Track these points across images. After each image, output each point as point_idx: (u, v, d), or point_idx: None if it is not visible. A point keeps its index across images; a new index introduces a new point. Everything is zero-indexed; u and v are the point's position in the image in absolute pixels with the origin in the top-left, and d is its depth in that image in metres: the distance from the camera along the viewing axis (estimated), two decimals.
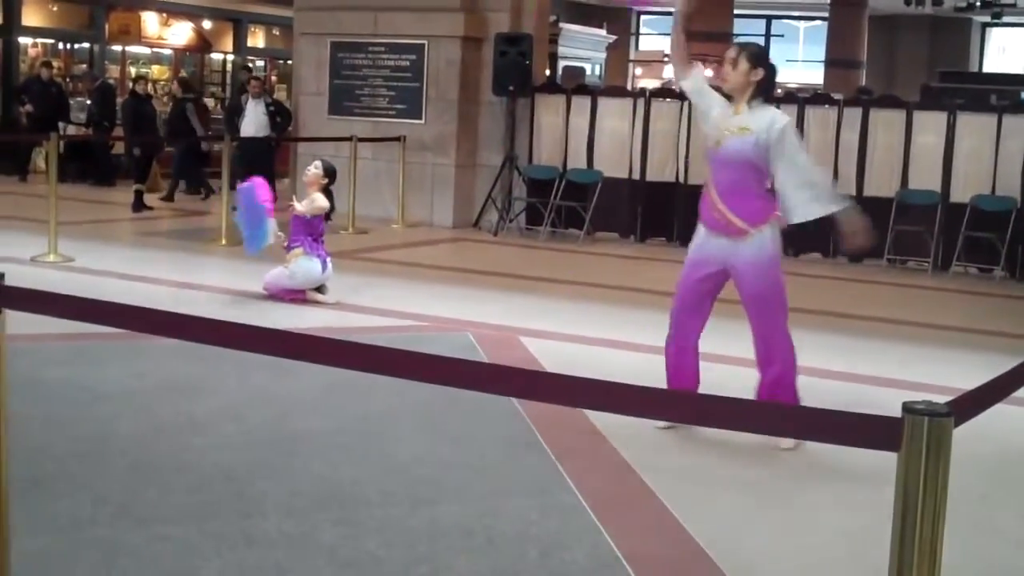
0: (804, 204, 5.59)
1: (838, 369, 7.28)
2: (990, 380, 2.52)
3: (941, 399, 2.24)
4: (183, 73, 21.74)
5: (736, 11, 27.88)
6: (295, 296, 8.67)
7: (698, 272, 5.74)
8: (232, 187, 14.98)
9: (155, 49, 23.48)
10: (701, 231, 5.74)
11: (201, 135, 16.72)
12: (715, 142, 5.62)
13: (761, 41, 36.43)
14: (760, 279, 5.59)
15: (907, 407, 2.09)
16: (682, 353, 5.82)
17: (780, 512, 4.75)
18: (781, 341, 5.64)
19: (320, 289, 8.74)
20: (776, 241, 5.65)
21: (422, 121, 14.56)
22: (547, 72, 16.12)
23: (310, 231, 8.80)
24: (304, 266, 8.70)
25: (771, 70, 5.63)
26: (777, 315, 5.65)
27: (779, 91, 19.84)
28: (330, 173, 9.07)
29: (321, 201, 8.90)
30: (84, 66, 20.96)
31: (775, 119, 5.56)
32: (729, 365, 6.70)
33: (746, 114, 5.58)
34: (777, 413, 2.28)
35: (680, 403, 2.43)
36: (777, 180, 5.57)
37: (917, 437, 2.07)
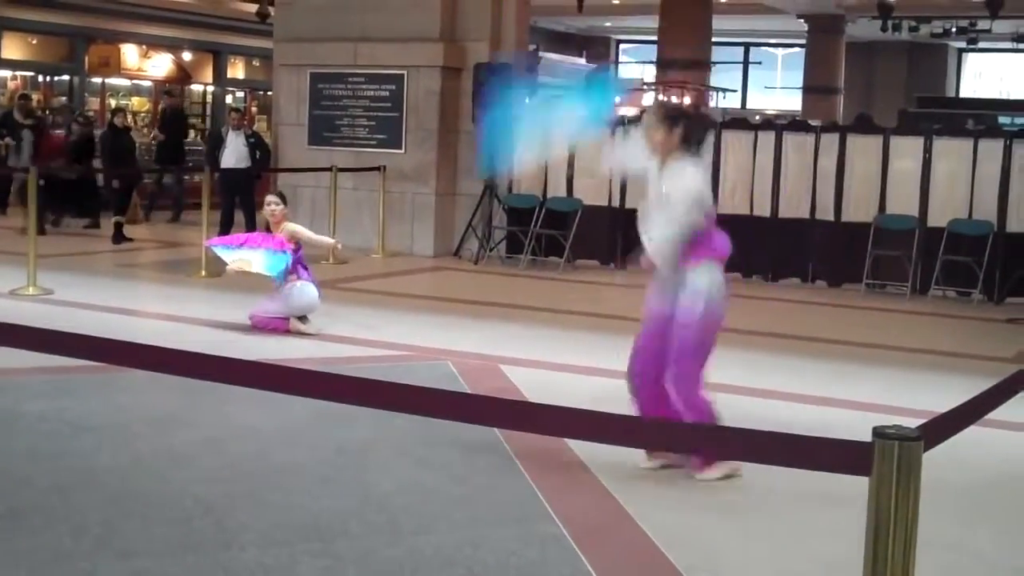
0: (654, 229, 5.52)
1: (814, 394, 7.31)
2: (960, 404, 2.55)
3: (917, 423, 2.27)
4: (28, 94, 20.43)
5: (715, 39, 28.02)
6: (277, 326, 8.68)
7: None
8: (224, 220, 15.08)
9: (135, 81, 23.52)
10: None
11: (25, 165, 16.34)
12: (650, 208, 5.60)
13: (739, 68, 36.77)
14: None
15: (877, 431, 2.12)
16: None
17: (759, 538, 4.76)
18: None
19: (302, 319, 8.75)
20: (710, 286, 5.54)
21: (402, 150, 14.60)
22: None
23: (300, 260, 8.85)
24: (305, 290, 8.72)
25: (687, 121, 5.59)
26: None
27: (757, 118, 20.04)
28: (285, 200, 9.31)
29: (302, 229, 9.04)
30: (63, 98, 20.95)
31: (688, 185, 5.47)
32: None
33: (667, 174, 5.53)
34: (749, 439, 2.30)
35: (657, 431, 2.46)
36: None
37: (888, 461, 2.09)
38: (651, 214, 5.52)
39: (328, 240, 10.43)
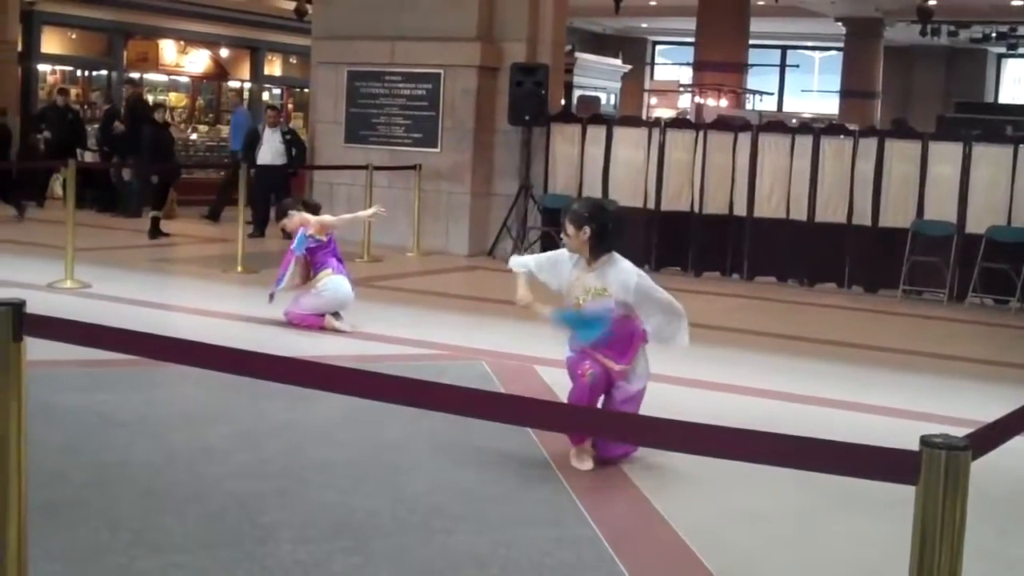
0: (681, 331, 5.68)
1: (853, 400, 7.26)
2: (1008, 413, 2.52)
3: (956, 431, 2.24)
4: None
5: (752, 41, 27.97)
6: (312, 323, 8.68)
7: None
8: (258, 216, 15.14)
9: (172, 77, 23.62)
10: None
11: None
12: (575, 304, 5.67)
13: (776, 71, 36.63)
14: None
15: (925, 440, 2.09)
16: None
17: (796, 545, 4.73)
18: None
19: (336, 316, 8.75)
20: (646, 365, 5.74)
21: (438, 150, 14.61)
22: (563, 102, 16.17)
23: (331, 252, 8.85)
24: (338, 285, 8.73)
25: (599, 222, 5.60)
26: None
27: (794, 121, 19.94)
28: (301, 206, 9.26)
29: (328, 218, 9.09)
30: (94, 93, 21.09)
31: (627, 280, 5.56)
32: (731, 394, 6.69)
33: (597, 272, 5.62)
34: (794, 445, 2.27)
35: (690, 434, 2.43)
36: (648, 322, 5.62)
37: (935, 470, 2.06)
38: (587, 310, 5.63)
39: (364, 213, 10.27)
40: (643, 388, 5.67)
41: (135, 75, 21.60)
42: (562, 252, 5.85)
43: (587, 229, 5.56)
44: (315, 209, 9.25)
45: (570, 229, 5.60)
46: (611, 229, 5.65)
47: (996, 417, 2.52)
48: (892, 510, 3.19)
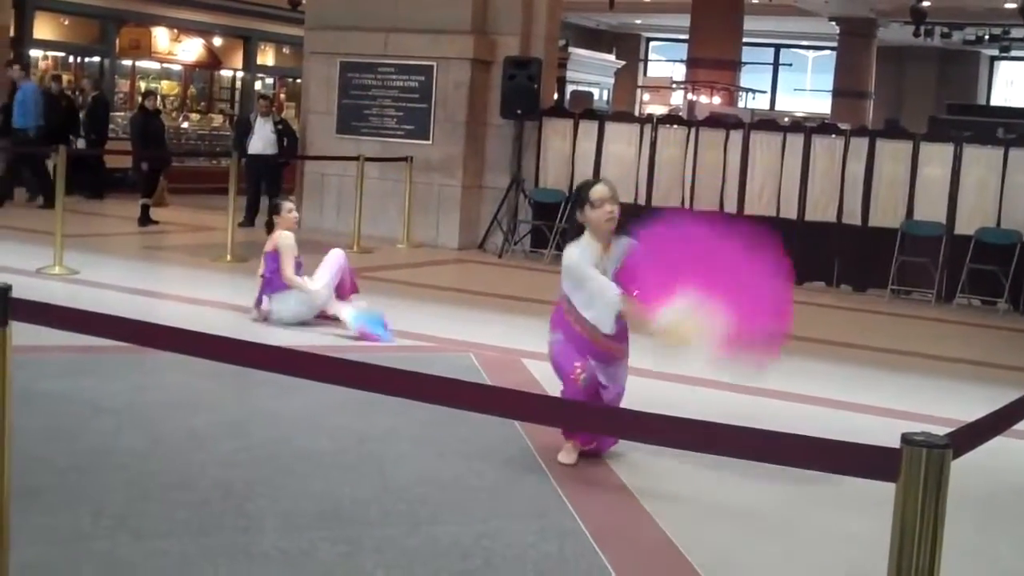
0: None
1: (838, 398, 7.28)
2: (990, 413, 2.53)
3: (941, 431, 2.25)
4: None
5: (745, 39, 28.00)
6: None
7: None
8: (249, 205, 15.12)
9: (165, 64, 23.58)
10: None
11: None
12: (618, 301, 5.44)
13: (769, 69, 36.67)
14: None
15: (906, 438, 2.10)
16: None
17: (778, 541, 4.75)
18: None
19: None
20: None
21: (430, 142, 14.60)
22: (555, 96, 16.17)
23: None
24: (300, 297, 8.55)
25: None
26: None
27: (786, 120, 19.96)
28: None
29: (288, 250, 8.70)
30: (86, 80, 21.03)
31: (627, 245, 5.51)
32: (712, 389, 6.69)
33: (612, 251, 5.54)
34: (776, 441, 2.28)
35: (679, 428, 2.44)
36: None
37: (915, 468, 2.08)
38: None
39: (305, 287, 8.66)
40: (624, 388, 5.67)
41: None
42: (584, 248, 5.55)
43: (618, 208, 5.51)
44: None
45: (615, 208, 5.49)
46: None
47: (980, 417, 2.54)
48: (874, 507, 3.20)
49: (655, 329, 5.10)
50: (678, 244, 5.23)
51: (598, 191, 5.48)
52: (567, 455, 5.47)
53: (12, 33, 19.77)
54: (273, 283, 8.51)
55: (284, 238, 8.59)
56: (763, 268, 5.00)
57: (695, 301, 4.99)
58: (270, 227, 8.76)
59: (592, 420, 3.05)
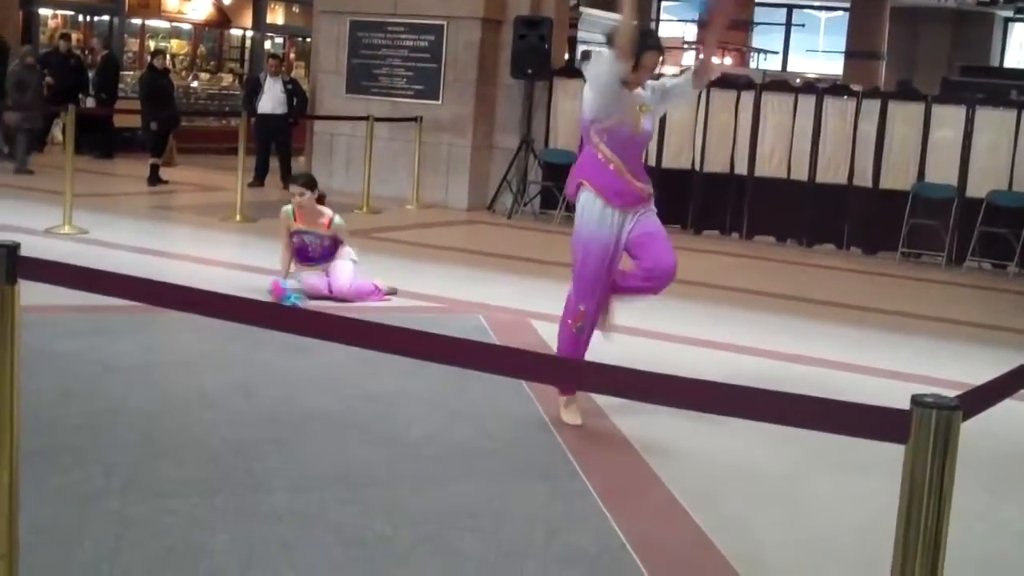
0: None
1: (849, 361, 7.27)
2: (1000, 375, 2.52)
3: (951, 394, 2.24)
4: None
5: (757, 0, 27.78)
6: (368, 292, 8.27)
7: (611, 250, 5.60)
8: (259, 164, 15.10)
9: (175, 23, 23.50)
10: (603, 210, 5.54)
11: None
12: (633, 127, 5.48)
13: (781, 30, 36.47)
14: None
15: (916, 400, 2.09)
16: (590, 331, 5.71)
17: (787, 502, 4.75)
18: None
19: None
20: None
21: (439, 102, 14.56)
22: (566, 56, 16.09)
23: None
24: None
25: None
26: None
27: (798, 81, 19.86)
28: (314, 185, 8.40)
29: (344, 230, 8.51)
30: (95, 39, 20.98)
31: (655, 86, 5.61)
32: (708, 348, 6.70)
33: (645, 90, 5.53)
34: (784, 402, 2.28)
35: (688, 389, 2.44)
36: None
37: (925, 429, 2.07)
38: None
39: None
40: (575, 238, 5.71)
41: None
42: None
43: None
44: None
45: (657, 57, 5.44)
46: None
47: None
48: (883, 469, 3.20)
49: None
50: None
51: (651, 59, 5.40)
52: (571, 415, 5.48)
53: None
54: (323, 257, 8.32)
55: (282, 212, 8.39)
56: None
57: None
58: (286, 182, 8.61)
59: (600, 380, 3.04)
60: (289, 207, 8.28)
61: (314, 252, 8.24)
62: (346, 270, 8.19)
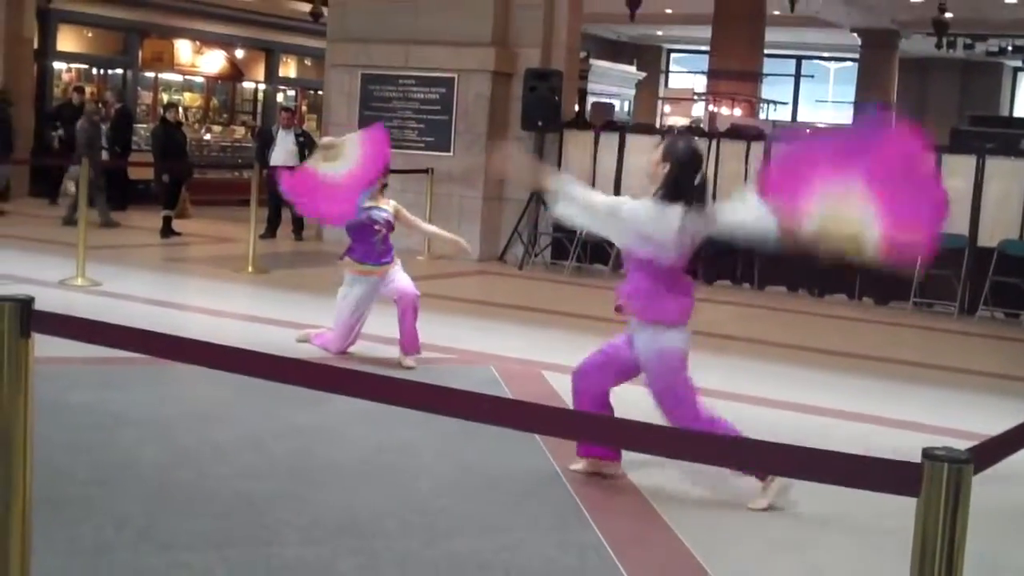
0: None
1: (861, 412, 7.25)
2: (1012, 427, 2.52)
3: (964, 445, 2.24)
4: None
5: (767, 51, 27.91)
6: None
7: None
8: (271, 217, 15.17)
9: (187, 76, 23.66)
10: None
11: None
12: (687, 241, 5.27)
13: (791, 81, 36.62)
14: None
15: (927, 453, 2.09)
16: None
17: (799, 555, 4.73)
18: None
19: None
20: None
21: (450, 154, 14.63)
22: (576, 108, 16.18)
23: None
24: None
25: (679, 167, 5.24)
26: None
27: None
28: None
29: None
30: (109, 92, 21.10)
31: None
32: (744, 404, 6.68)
33: None
34: (796, 455, 2.28)
35: (702, 444, 2.44)
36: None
37: (936, 483, 2.07)
38: None
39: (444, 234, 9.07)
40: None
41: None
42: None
43: (667, 164, 5.31)
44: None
45: (656, 155, 5.31)
46: (679, 178, 5.30)
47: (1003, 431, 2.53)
48: (895, 521, 3.19)
49: (812, 231, 4.74)
50: (802, 153, 4.98)
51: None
52: (577, 462, 5.48)
53: (36, 45, 19.87)
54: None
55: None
56: (894, 151, 4.82)
57: (837, 192, 4.66)
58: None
59: (612, 434, 3.04)
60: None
61: (378, 235, 8.17)
62: (407, 278, 8.23)
